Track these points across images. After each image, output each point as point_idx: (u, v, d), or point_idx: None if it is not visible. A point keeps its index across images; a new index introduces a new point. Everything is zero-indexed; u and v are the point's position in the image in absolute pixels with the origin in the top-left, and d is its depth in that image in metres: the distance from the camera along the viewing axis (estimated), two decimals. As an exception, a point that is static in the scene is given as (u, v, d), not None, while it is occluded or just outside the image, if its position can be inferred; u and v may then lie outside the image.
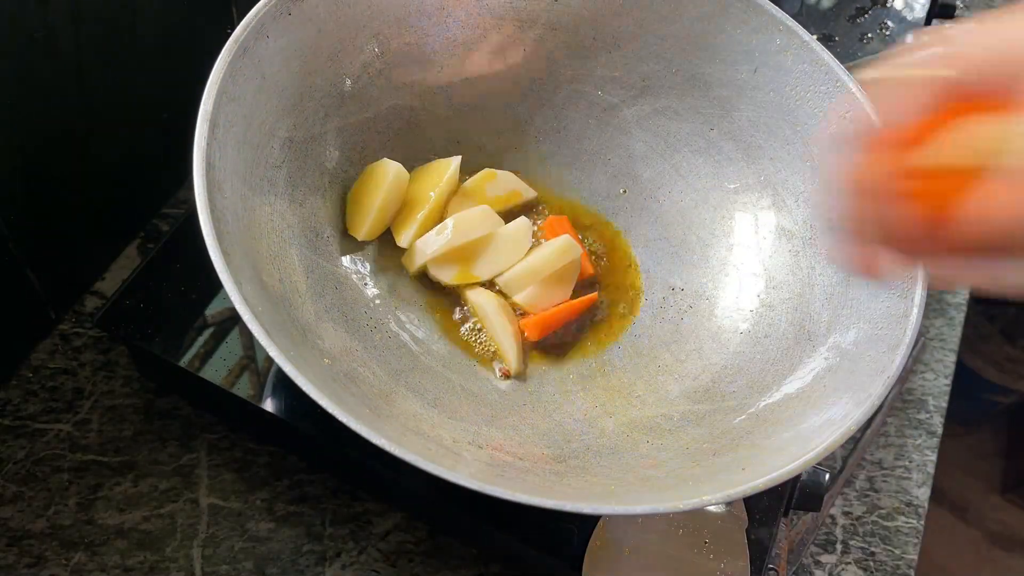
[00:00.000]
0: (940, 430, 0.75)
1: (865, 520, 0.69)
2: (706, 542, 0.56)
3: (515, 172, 0.68)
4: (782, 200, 0.63)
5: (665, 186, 0.68)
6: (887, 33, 0.86)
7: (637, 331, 0.64)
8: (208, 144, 0.48)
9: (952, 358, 0.80)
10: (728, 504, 0.57)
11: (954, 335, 0.82)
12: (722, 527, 0.57)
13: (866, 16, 0.87)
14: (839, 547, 0.67)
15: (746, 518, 0.57)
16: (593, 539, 0.55)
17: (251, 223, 0.52)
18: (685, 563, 0.56)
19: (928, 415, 0.76)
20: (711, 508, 0.57)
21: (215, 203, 0.48)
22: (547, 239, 0.65)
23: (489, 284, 0.63)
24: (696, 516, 0.57)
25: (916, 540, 0.68)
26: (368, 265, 0.62)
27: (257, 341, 0.44)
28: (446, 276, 0.62)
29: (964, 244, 0.35)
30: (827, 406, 0.51)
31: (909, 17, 0.88)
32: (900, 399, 0.76)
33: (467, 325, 0.62)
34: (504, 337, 0.60)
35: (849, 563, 0.67)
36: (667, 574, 0.55)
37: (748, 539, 0.57)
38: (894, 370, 0.50)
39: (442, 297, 0.63)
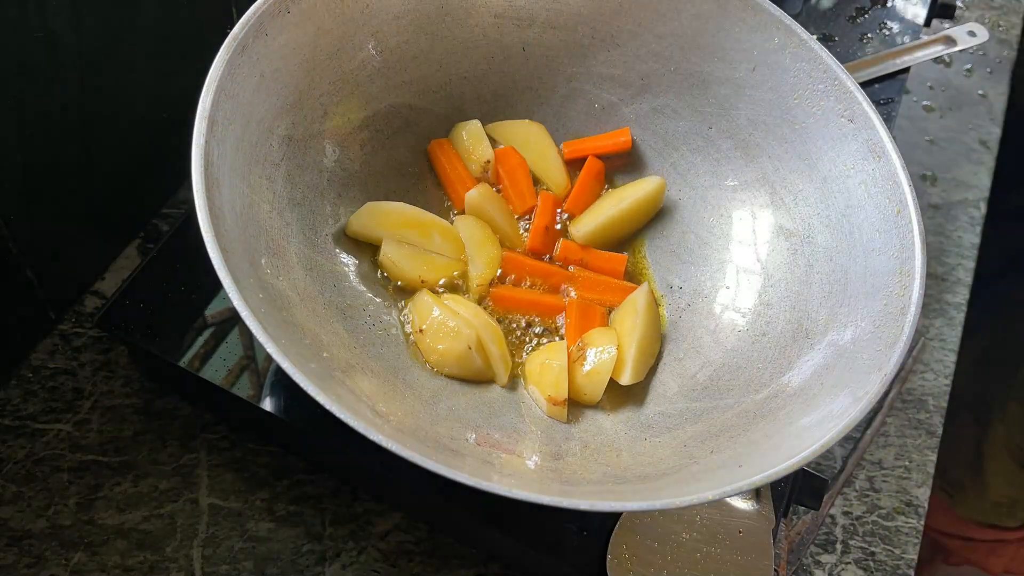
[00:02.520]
0: (940, 430, 0.75)
1: (865, 520, 0.69)
2: (736, 534, 0.56)
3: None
4: (780, 198, 0.63)
5: (663, 185, 0.68)
6: (887, 33, 0.86)
7: (636, 330, 0.64)
8: (207, 141, 0.49)
9: (952, 358, 0.80)
10: (757, 502, 0.57)
11: (954, 335, 0.81)
12: (749, 524, 0.57)
13: (866, 16, 0.87)
14: (839, 547, 0.67)
15: (773, 518, 0.57)
16: (617, 531, 0.55)
17: (250, 221, 0.52)
18: (710, 558, 0.56)
19: (928, 415, 0.75)
20: (739, 504, 0.57)
21: (214, 200, 0.48)
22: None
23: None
24: (723, 511, 0.57)
25: (916, 540, 0.68)
26: (366, 262, 0.62)
27: (257, 341, 0.44)
28: None
29: None
30: (824, 404, 0.51)
31: (909, 17, 0.88)
32: (900, 399, 0.76)
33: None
34: None
35: (849, 563, 0.66)
36: (692, 567, 0.55)
37: (774, 538, 0.57)
38: (891, 368, 0.50)
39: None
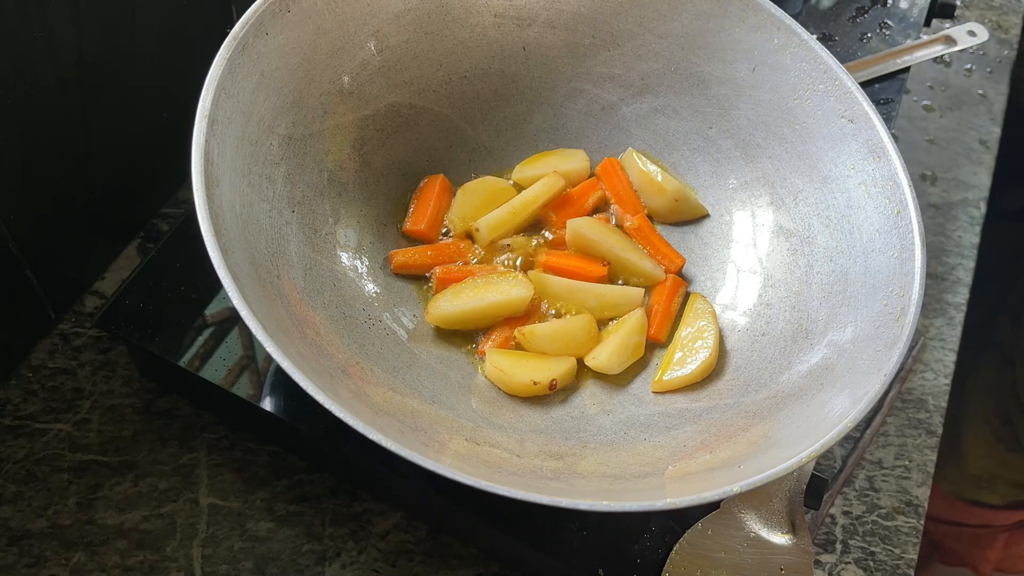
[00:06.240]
0: (940, 430, 0.75)
1: (865, 520, 0.69)
2: (778, 572, 0.56)
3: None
4: (780, 198, 0.63)
5: (664, 185, 0.68)
6: (887, 33, 0.86)
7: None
8: (207, 140, 0.49)
9: (952, 358, 0.80)
10: (794, 535, 0.57)
11: (954, 335, 0.81)
12: (790, 560, 0.57)
13: (866, 16, 0.87)
14: (839, 547, 0.67)
15: (812, 550, 0.58)
16: (665, 571, 0.55)
17: (249, 220, 0.52)
18: None
19: (928, 415, 0.75)
20: (777, 540, 0.57)
21: (214, 200, 0.48)
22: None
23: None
24: (763, 550, 0.57)
25: (916, 540, 0.68)
26: (366, 262, 0.62)
27: (257, 340, 0.44)
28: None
29: None
30: (824, 404, 0.51)
31: (909, 17, 0.88)
32: (900, 399, 0.76)
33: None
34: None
35: (849, 563, 0.66)
36: None
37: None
38: (891, 368, 0.50)
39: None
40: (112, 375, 0.67)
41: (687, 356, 0.60)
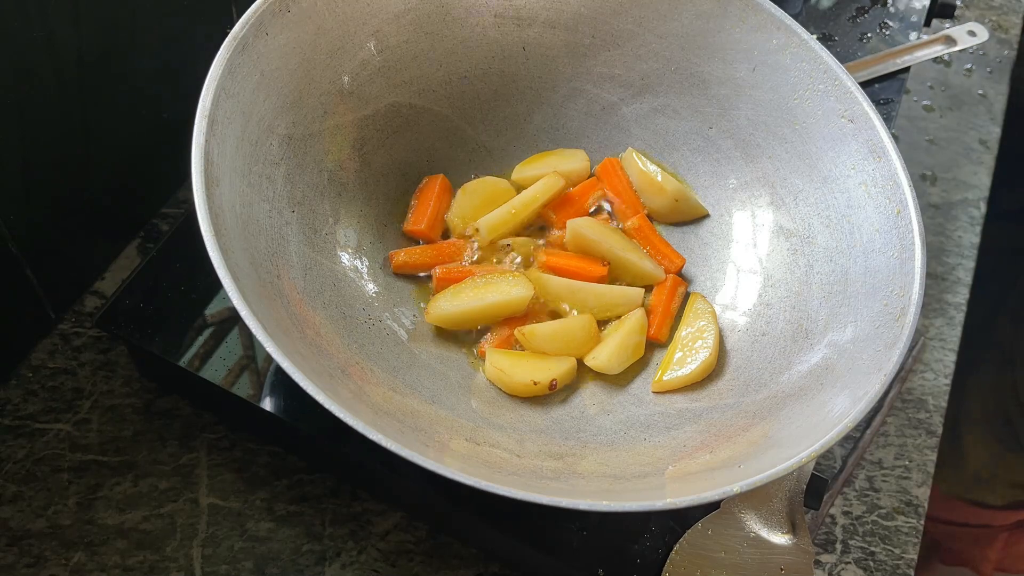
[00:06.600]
0: (940, 430, 0.75)
1: (865, 520, 0.69)
2: (778, 572, 0.56)
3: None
4: (780, 198, 0.63)
5: (664, 185, 0.68)
6: (887, 33, 0.86)
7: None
8: (207, 140, 0.49)
9: (952, 358, 0.80)
10: (794, 535, 0.57)
11: (954, 335, 0.81)
12: (790, 560, 0.57)
13: (866, 16, 0.87)
14: (839, 547, 0.67)
15: (812, 550, 0.58)
16: (665, 571, 0.55)
17: (249, 220, 0.52)
18: None
19: (928, 415, 0.75)
20: (777, 540, 0.57)
21: (214, 200, 0.48)
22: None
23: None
24: (763, 550, 0.57)
25: (916, 540, 0.68)
26: (366, 262, 0.62)
27: (257, 340, 0.44)
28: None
29: None
30: (824, 404, 0.51)
31: (909, 17, 0.88)
32: (900, 399, 0.76)
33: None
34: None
35: (849, 563, 0.66)
36: None
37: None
38: (891, 368, 0.50)
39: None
40: (112, 375, 0.67)
41: (687, 356, 0.60)
